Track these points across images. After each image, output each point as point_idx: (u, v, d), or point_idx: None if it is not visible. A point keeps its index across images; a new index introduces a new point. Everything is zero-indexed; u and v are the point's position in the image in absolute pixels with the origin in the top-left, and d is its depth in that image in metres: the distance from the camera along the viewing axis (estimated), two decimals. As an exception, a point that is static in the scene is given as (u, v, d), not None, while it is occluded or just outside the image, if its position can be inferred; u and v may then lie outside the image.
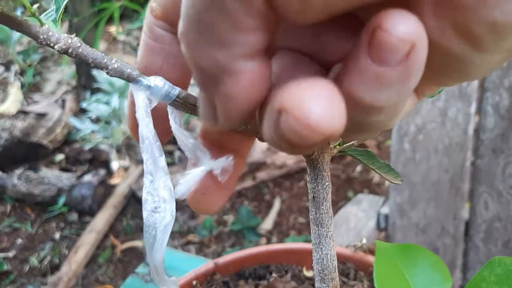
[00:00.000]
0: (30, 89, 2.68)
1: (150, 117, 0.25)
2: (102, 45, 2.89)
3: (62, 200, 2.01)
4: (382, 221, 0.98)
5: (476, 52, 0.17)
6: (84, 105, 2.10)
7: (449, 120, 0.88)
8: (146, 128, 0.25)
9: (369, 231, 0.94)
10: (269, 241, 1.83)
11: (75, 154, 2.29)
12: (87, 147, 2.16)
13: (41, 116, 2.36)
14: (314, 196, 0.31)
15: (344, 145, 0.32)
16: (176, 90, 0.25)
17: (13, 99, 2.46)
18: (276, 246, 0.59)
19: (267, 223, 1.90)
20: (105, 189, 2.05)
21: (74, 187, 2.01)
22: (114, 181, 2.13)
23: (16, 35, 2.65)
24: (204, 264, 0.57)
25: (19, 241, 1.92)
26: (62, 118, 2.38)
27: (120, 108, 2.03)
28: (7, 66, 2.77)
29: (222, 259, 0.58)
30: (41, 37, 0.22)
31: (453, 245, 0.94)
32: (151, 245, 0.26)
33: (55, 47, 0.22)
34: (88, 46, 0.23)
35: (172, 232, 1.93)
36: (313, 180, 0.31)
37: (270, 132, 0.18)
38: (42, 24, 0.22)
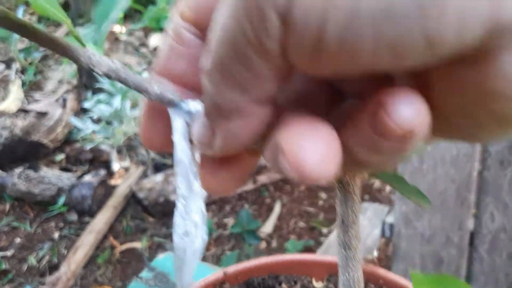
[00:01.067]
0: (31, 88, 2.67)
1: (187, 141, 0.25)
2: (104, 44, 2.89)
3: (61, 200, 2.00)
4: (387, 229, 0.98)
5: (480, 131, 0.18)
6: (85, 105, 2.09)
7: (457, 131, 0.88)
8: (183, 152, 0.24)
9: (374, 239, 0.94)
10: (269, 245, 1.83)
11: (75, 153, 2.28)
12: (88, 147, 2.15)
13: (41, 115, 2.35)
14: (343, 220, 0.31)
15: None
16: None
17: (14, 97, 2.45)
18: (286, 257, 0.59)
19: (267, 227, 1.90)
20: (105, 190, 2.04)
21: (74, 187, 2.00)
22: (114, 181, 2.12)
23: (18, 32, 2.64)
24: (213, 273, 0.57)
25: (18, 240, 1.92)
26: (63, 117, 2.37)
27: (122, 108, 2.02)
28: (8, 63, 2.75)
29: (232, 269, 0.58)
30: (84, 60, 0.22)
31: (458, 255, 0.94)
32: (180, 268, 0.26)
33: (97, 70, 0.22)
34: (129, 70, 0.23)
35: (171, 234, 1.93)
36: (342, 204, 0.31)
37: (271, 163, 0.20)
38: (84, 46, 0.22)
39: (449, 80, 0.17)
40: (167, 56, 0.25)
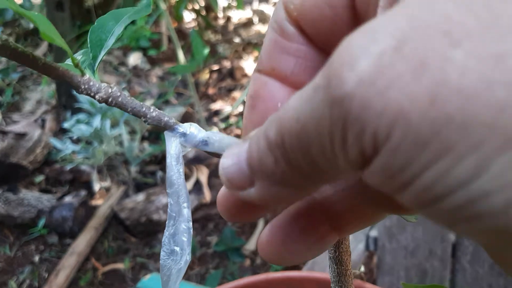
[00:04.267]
0: (9, 109, 2.64)
1: (182, 164, 0.25)
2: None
3: (42, 222, 1.97)
4: (371, 243, 0.99)
5: None
6: (65, 125, 2.07)
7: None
8: (177, 174, 0.25)
9: (358, 253, 0.94)
10: (253, 263, 1.82)
11: (55, 174, 2.25)
12: (68, 167, 2.13)
13: (20, 136, 2.32)
14: (334, 234, 0.32)
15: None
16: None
17: (-9, 119, 2.43)
18: (276, 275, 0.60)
19: (251, 244, 1.89)
20: (86, 211, 2.02)
21: (54, 209, 1.97)
22: (95, 202, 2.10)
23: (-5, 54, 2.61)
24: (202, 293, 0.57)
25: (-3, 264, 1.88)
26: (42, 138, 2.35)
27: (102, 128, 2.01)
28: (-15, 85, 2.73)
29: None
30: (83, 87, 0.23)
31: (441, 267, 0.96)
32: (166, 283, 0.27)
33: (96, 96, 0.23)
34: (126, 95, 0.24)
35: (154, 254, 1.89)
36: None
37: None
38: (83, 74, 0.22)
39: None
40: (270, 51, 0.23)
